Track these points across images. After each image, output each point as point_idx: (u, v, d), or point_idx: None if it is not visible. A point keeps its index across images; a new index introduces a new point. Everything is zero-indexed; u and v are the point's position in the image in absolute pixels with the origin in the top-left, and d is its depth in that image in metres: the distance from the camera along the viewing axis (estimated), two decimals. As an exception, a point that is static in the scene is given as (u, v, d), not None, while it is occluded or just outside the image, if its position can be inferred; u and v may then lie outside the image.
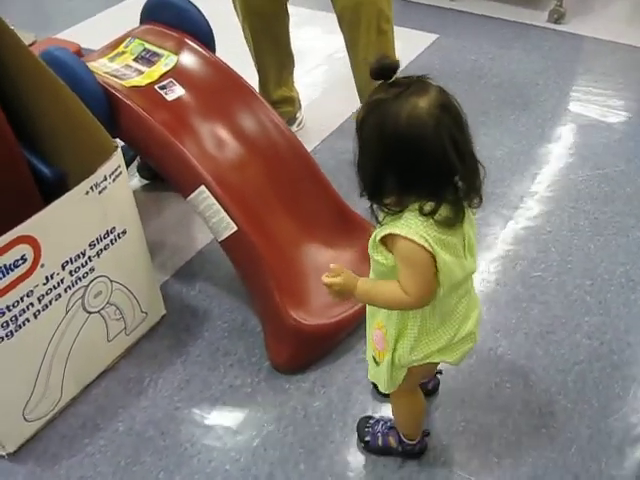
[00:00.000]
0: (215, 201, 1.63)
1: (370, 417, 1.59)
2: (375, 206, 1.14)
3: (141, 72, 1.78)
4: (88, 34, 2.85)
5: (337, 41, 2.22)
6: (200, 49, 1.86)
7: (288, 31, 2.29)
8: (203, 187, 1.63)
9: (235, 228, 1.64)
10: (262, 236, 1.68)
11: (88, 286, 1.54)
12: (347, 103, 2.25)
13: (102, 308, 1.61)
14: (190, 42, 1.87)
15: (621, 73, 2.92)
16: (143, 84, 1.74)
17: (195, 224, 2.13)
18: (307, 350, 1.71)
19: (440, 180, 1.09)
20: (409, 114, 1.04)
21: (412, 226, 1.10)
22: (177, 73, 1.81)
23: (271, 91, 2.36)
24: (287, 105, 2.43)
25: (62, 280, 1.47)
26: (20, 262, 1.35)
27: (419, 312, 1.21)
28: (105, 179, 1.49)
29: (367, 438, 1.55)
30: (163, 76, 1.79)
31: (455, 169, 1.07)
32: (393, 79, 1.07)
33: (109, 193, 1.50)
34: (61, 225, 1.43)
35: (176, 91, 1.77)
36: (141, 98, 1.70)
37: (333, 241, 1.82)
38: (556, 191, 2.29)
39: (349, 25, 2.07)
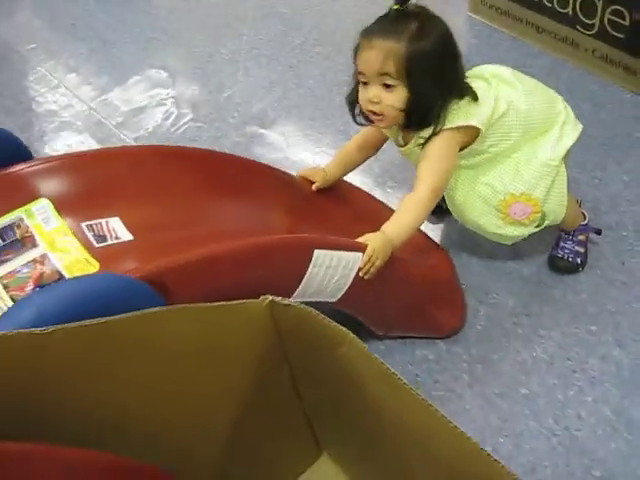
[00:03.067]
0: (333, 252, 1.14)
1: (552, 254, 1.55)
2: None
3: (40, 263, 1.01)
4: None
5: None
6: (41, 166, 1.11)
7: None
8: (316, 251, 1.10)
9: (360, 254, 1.18)
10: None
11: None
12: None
13: None
14: (19, 170, 1.10)
15: None
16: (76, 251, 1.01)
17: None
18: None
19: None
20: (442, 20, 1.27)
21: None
22: (71, 219, 1.09)
23: None
24: None
25: None
26: None
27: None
28: None
29: (578, 260, 1.53)
30: (56, 233, 1.05)
31: None
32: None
33: None
34: None
35: (112, 225, 1.06)
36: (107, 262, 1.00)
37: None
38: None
39: None
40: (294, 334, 0.98)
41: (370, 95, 1.26)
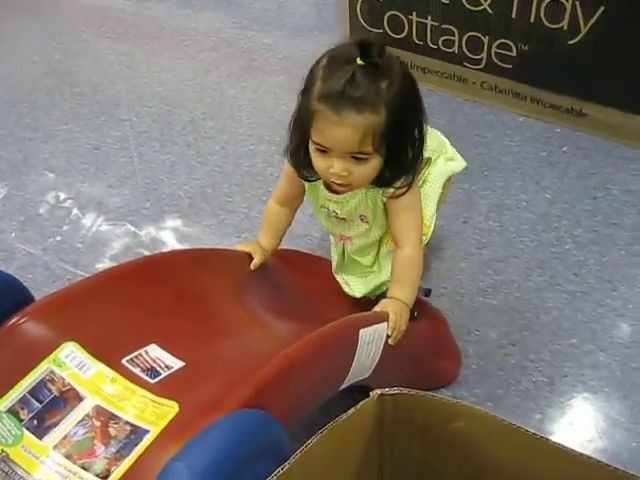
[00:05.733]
0: (370, 327, 1.11)
1: None
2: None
3: (97, 418, 0.89)
4: None
5: None
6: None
7: None
8: (361, 330, 1.07)
9: (385, 323, 1.17)
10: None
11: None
12: None
13: None
14: (27, 317, 0.96)
15: None
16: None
17: None
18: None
19: None
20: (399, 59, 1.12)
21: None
22: (109, 359, 0.95)
23: None
24: None
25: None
26: None
27: None
28: None
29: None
30: (99, 378, 0.93)
31: None
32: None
33: None
34: None
35: (154, 354, 0.96)
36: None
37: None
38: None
39: None
40: (395, 421, 0.94)
41: (338, 170, 1.09)
